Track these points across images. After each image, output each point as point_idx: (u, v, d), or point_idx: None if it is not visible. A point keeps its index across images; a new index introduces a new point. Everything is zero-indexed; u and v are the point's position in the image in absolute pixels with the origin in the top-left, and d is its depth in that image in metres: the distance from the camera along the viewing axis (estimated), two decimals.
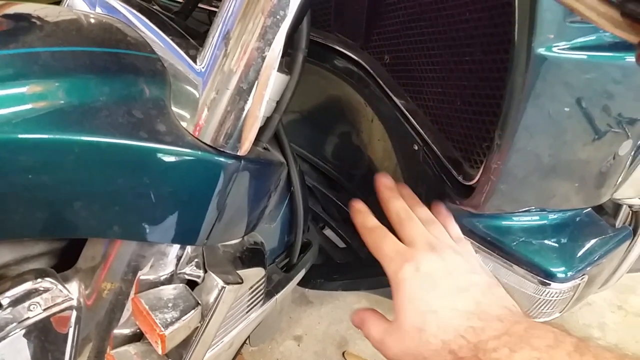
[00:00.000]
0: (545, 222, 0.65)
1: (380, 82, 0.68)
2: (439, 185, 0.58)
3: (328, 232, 1.03)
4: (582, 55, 0.42)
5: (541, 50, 0.40)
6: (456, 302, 0.45)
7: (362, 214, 0.55)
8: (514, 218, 0.63)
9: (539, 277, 0.61)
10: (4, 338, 0.43)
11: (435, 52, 0.58)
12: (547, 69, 0.41)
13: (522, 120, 0.44)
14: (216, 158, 0.44)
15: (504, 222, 0.61)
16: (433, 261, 0.47)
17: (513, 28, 0.40)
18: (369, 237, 0.53)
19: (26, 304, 0.44)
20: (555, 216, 0.65)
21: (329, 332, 1.25)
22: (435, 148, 0.59)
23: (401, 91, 0.65)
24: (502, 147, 0.46)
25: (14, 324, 0.43)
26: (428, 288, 0.45)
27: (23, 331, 0.44)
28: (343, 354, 1.21)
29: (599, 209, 0.69)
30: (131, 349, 0.49)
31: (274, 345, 1.18)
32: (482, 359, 0.40)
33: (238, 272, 0.55)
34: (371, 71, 0.69)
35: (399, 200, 0.53)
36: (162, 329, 0.45)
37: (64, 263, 0.51)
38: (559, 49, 0.40)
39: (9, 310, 0.43)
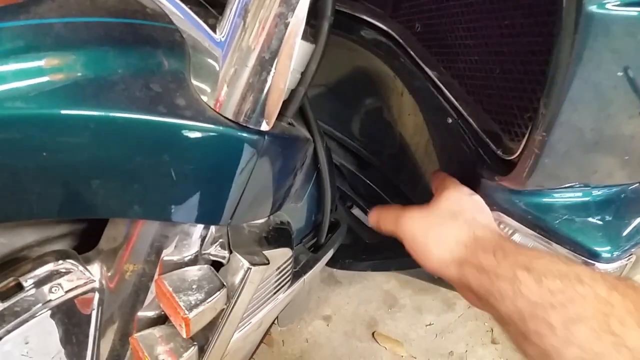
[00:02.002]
0: (589, 198, 0.61)
1: (411, 52, 0.64)
2: (475, 161, 0.55)
3: (356, 211, 1.01)
4: (635, 11, 0.37)
5: (592, 8, 0.36)
6: (482, 213, 0.53)
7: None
8: (556, 195, 0.59)
9: (582, 257, 0.58)
10: (27, 320, 0.42)
11: (472, 17, 0.54)
12: (598, 28, 0.37)
13: (571, 87, 0.40)
14: (239, 133, 0.41)
15: (545, 199, 0.58)
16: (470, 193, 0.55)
17: None
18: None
19: (48, 285, 0.43)
20: (600, 192, 0.60)
21: (358, 312, 1.23)
22: (471, 121, 0.55)
23: (434, 61, 0.61)
24: (547, 116, 0.43)
25: (36, 306, 0.42)
26: (466, 198, 0.53)
27: (46, 313, 0.43)
28: (373, 334, 1.19)
29: None
30: (156, 331, 0.48)
31: (303, 325, 1.17)
32: (503, 245, 0.46)
33: (264, 252, 0.53)
34: (401, 41, 0.65)
35: None
36: (186, 311, 0.43)
37: (86, 244, 0.50)
38: (612, 5, 0.36)
39: (30, 292, 0.42)
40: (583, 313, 0.38)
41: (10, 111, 0.34)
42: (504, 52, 0.51)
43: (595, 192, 0.60)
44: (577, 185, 0.57)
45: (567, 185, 0.56)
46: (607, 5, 0.36)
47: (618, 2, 0.37)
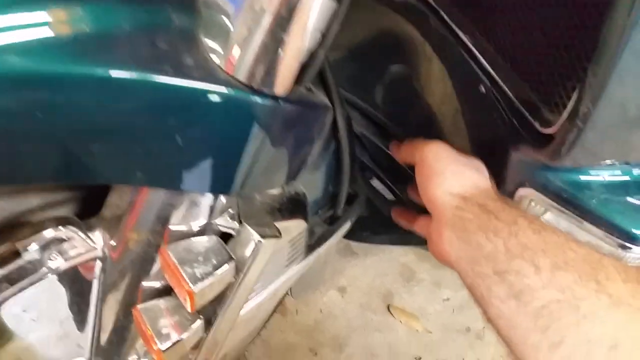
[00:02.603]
0: (628, 178, 0.56)
1: (443, 14, 0.59)
2: (509, 133, 0.51)
3: (376, 182, 0.97)
4: None
5: None
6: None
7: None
8: (593, 172, 0.54)
9: (619, 240, 0.54)
10: (23, 288, 0.40)
11: None
12: None
13: (625, 53, 0.36)
14: (251, 97, 0.38)
15: (581, 177, 0.53)
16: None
17: None
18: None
19: (47, 252, 0.41)
20: None
21: (374, 284, 1.21)
22: (506, 89, 0.51)
23: (468, 24, 0.56)
24: (595, 87, 0.38)
25: (34, 274, 0.40)
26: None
27: (45, 281, 0.41)
28: (388, 307, 1.17)
29: None
30: (161, 303, 0.46)
31: (317, 296, 1.16)
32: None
33: (276, 224, 0.50)
34: (431, 2, 0.60)
35: None
36: (191, 285, 0.41)
37: (91, 210, 0.48)
38: None
39: (28, 259, 0.40)
40: (573, 263, 0.39)
41: (5, 67, 0.31)
42: (546, 15, 0.46)
43: (636, 171, 0.56)
44: (617, 163, 0.53)
45: (606, 163, 0.52)
46: None
47: None
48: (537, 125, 0.47)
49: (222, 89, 0.37)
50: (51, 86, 0.32)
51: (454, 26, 0.58)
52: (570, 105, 0.42)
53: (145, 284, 0.46)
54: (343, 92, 0.87)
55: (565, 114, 0.42)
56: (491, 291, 0.42)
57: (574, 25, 0.43)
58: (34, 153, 0.34)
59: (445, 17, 0.60)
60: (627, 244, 0.53)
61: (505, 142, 0.51)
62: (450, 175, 0.50)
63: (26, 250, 0.40)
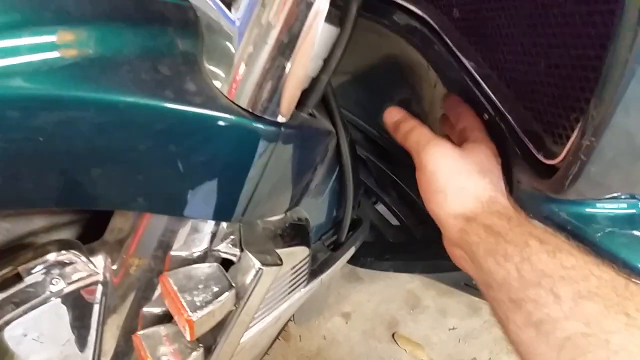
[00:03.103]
0: (634, 211, 0.55)
1: (447, 40, 0.59)
2: (511, 163, 0.50)
3: (381, 207, 0.97)
4: None
5: None
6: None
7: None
8: (598, 205, 0.53)
9: (625, 274, 0.52)
10: (25, 312, 0.40)
11: (517, 2, 0.49)
12: None
13: (629, 88, 0.35)
14: (253, 124, 0.38)
15: (587, 210, 0.52)
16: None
17: None
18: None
19: (48, 277, 0.41)
20: None
21: (379, 311, 1.20)
22: (510, 118, 0.50)
23: (472, 51, 0.56)
24: (597, 119, 0.38)
25: (36, 298, 0.40)
26: (497, 160, 0.50)
27: (45, 306, 0.41)
28: (393, 335, 1.15)
29: None
30: (161, 330, 0.45)
31: (321, 321, 1.14)
32: (520, 216, 0.45)
33: (278, 251, 0.50)
34: (437, 28, 0.60)
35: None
36: (190, 313, 0.40)
37: (95, 232, 0.48)
38: None
39: (30, 282, 0.40)
40: (596, 292, 0.36)
41: (5, 90, 0.31)
42: (550, 44, 0.46)
43: None
44: (623, 196, 0.52)
45: (611, 196, 0.51)
46: None
47: None
48: (540, 156, 0.46)
49: (224, 115, 0.37)
50: (53, 110, 0.32)
51: (457, 52, 0.59)
52: (573, 137, 0.41)
53: (146, 309, 0.46)
54: (348, 115, 0.88)
55: (568, 146, 0.42)
56: (508, 318, 0.39)
57: (577, 56, 0.43)
58: (36, 178, 0.34)
59: (449, 42, 0.60)
60: (635, 280, 0.52)
61: (509, 172, 0.51)
62: (451, 194, 0.47)
63: (29, 273, 0.39)
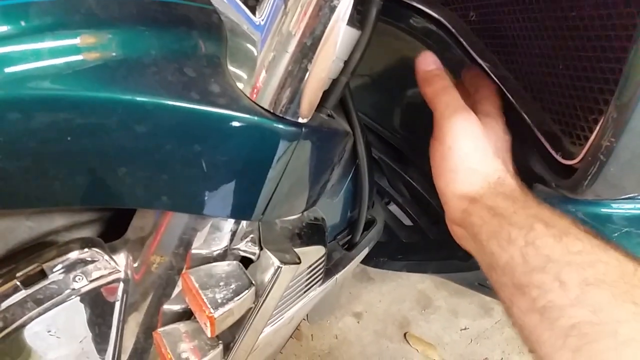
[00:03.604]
0: None
1: (464, 43, 0.59)
2: (529, 163, 0.50)
3: (393, 207, 0.97)
4: None
5: None
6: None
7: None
8: (614, 205, 0.54)
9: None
10: (49, 308, 0.41)
11: (534, 5, 0.49)
12: None
13: None
14: (275, 125, 0.38)
15: (603, 210, 0.53)
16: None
17: None
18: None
19: (72, 274, 0.41)
20: None
21: (390, 311, 1.20)
22: (528, 120, 0.50)
23: (489, 54, 0.56)
24: (618, 120, 0.38)
25: (59, 295, 0.41)
26: (509, 137, 0.50)
27: (69, 302, 0.42)
28: (404, 335, 1.15)
29: None
30: (181, 327, 0.46)
31: (333, 321, 1.15)
32: (527, 197, 0.44)
33: (296, 250, 0.50)
34: (453, 31, 0.60)
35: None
36: (212, 310, 0.41)
37: (115, 230, 0.49)
38: None
39: (54, 279, 0.41)
40: (604, 278, 0.34)
41: (36, 92, 0.32)
42: (568, 47, 0.46)
43: None
44: (639, 197, 0.52)
45: (628, 196, 0.51)
46: None
47: None
48: (558, 156, 0.47)
49: (247, 116, 0.37)
50: (82, 110, 0.33)
51: (474, 54, 0.59)
52: (592, 137, 0.41)
53: (166, 307, 0.46)
54: (362, 116, 0.88)
55: (587, 147, 0.42)
56: (512, 302, 0.39)
57: (596, 57, 0.43)
58: (64, 177, 0.35)
59: (466, 45, 0.60)
60: None
61: (526, 173, 0.51)
62: (462, 174, 0.45)
63: (53, 270, 0.40)
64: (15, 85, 0.31)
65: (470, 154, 0.46)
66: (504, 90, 0.53)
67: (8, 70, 0.31)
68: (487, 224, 0.42)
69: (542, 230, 0.38)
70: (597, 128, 0.41)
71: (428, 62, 0.52)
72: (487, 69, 0.56)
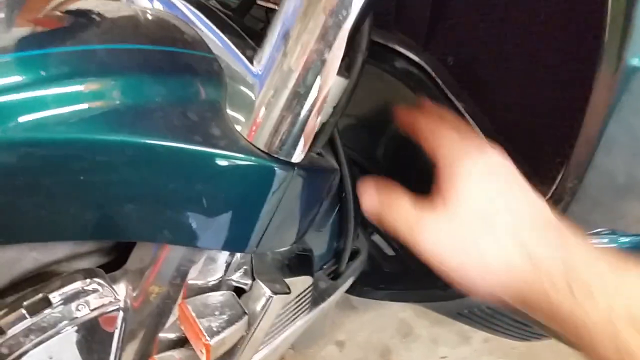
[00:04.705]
0: (615, 245, 0.60)
1: (442, 85, 0.64)
2: None
3: (376, 237, 1.00)
4: None
5: (634, 61, 0.36)
6: (531, 199, 0.39)
7: (413, 113, 0.48)
8: None
9: None
10: (52, 336, 0.43)
11: (506, 55, 0.54)
12: (638, 81, 0.37)
13: (605, 137, 0.40)
14: (269, 164, 0.42)
15: None
16: (502, 157, 0.41)
17: (603, 35, 0.36)
18: (425, 126, 0.44)
19: (75, 303, 0.43)
20: (627, 239, 0.59)
21: (372, 339, 1.22)
22: None
23: (465, 96, 0.61)
24: (580, 164, 0.42)
25: (62, 323, 0.43)
26: (498, 178, 0.39)
27: (71, 330, 0.44)
28: None
29: None
30: (176, 354, 0.48)
31: (316, 350, 1.17)
32: (578, 270, 0.33)
33: (286, 280, 0.53)
34: (432, 73, 0.65)
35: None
36: (208, 338, 0.43)
37: (113, 261, 0.51)
38: None
39: (58, 308, 0.43)
40: None
41: (53, 135, 0.35)
42: (537, 94, 0.51)
43: (622, 239, 0.59)
44: (604, 232, 0.56)
45: (594, 231, 0.55)
46: None
47: None
48: None
49: (244, 156, 0.41)
50: (95, 152, 0.36)
51: (451, 96, 0.63)
52: (558, 179, 0.45)
53: (162, 335, 0.48)
54: (347, 149, 0.92)
55: (554, 187, 0.46)
56: None
57: (562, 106, 0.48)
58: (76, 213, 0.38)
59: (444, 87, 0.65)
60: None
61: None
62: (473, 268, 0.37)
63: (57, 300, 0.42)
64: (34, 129, 0.34)
65: (458, 252, 0.37)
66: (478, 131, 0.57)
67: (28, 115, 0.34)
68: (553, 321, 0.34)
69: (631, 336, 0.30)
70: (563, 171, 0.46)
71: (369, 192, 0.45)
72: (462, 110, 0.61)
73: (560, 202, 0.46)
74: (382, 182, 0.45)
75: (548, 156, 0.49)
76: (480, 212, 0.37)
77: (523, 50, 0.52)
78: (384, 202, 0.43)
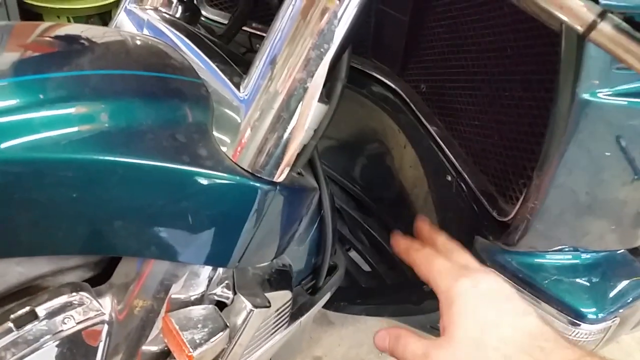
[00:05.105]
0: (577, 261, 0.63)
1: (415, 110, 0.68)
2: (471, 218, 0.58)
3: (353, 254, 1.03)
4: (625, 101, 0.41)
5: (585, 96, 0.40)
6: (519, 321, 0.42)
7: (407, 240, 0.53)
8: (547, 256, 0.62)
9: (568, 317, 0.60)
10: (37, 349, 0.44)
11: (474, 84, 0.58)
12: (590, 113, 0.41)
13: (562, 161, 0.44)
14: (252, 183, 0.44)
15: (536, 260, 0.60)
16: (492, 281, 0.44)
17: (558, 71, 0.40)
18: (418, 255, 0.49)
19: (61, 316, 0.45)
20: (589, 256, 0.63)
21: (349, 355, 1.24)
22: (469, 180, 0.58)
23: (436, 121, 0.65)
24: (540, 186, 0.46)
25: (48, 336, 0.44)
26: (488, 304, 0.43)
27: (56, 343, 0.45)
28: None
29: (634, 250, 0.67)
30: None
31: None
32: None
33: (266, 294, 0.55)
34: (407, 99, 0.69)
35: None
36: (191, 349, 0.45)
37: (98, 275, 0.52)
38: (603, 95, 0.40)
39: (44, 322, 0.44)
40: None
41: (50, 155, 0.37)
42: (502, 121, 0.55)
43: (584, 256, 0.63)
44: (567, 248, 0.60)
45: (557, 248, 0.59)
46: (600, 95, 0.40)
47: (611, 92, 0.41)
48: (494, 213, 0.54)
49: (229, 176, 0.43)
50: (89, 171, 0.38)
51: (424, 120, 0.67)
52: (521, 199, 0.49)
53: (145, 347, 0.50)
54: (326, 169, 0.95)
55: (517, 207, 0.50)
56: None
57: (524, 131, 0.52)
58: (67, 229, 0.40)
59: (417, 111, 0.68)
60: (576, 321, 0.59)
61: (469, 226, 0.58)
62: (474, 350, 0.41)
63: (43, 313, 0.44)
64: (31, 149, 0.36)
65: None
66: (449, 153, 0.61)
67: (26, 136, 0.36)
68: None
69: None
70: (525, 191, 0.49)
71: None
72: (433, 133, 0.65)
73: (523, 220, 0.49)
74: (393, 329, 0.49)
75: (512, 178, 0.53)
76: (476, 345, 0.41)
77: (490, 79, 0.56)
78: (399, 334, 0.47)
